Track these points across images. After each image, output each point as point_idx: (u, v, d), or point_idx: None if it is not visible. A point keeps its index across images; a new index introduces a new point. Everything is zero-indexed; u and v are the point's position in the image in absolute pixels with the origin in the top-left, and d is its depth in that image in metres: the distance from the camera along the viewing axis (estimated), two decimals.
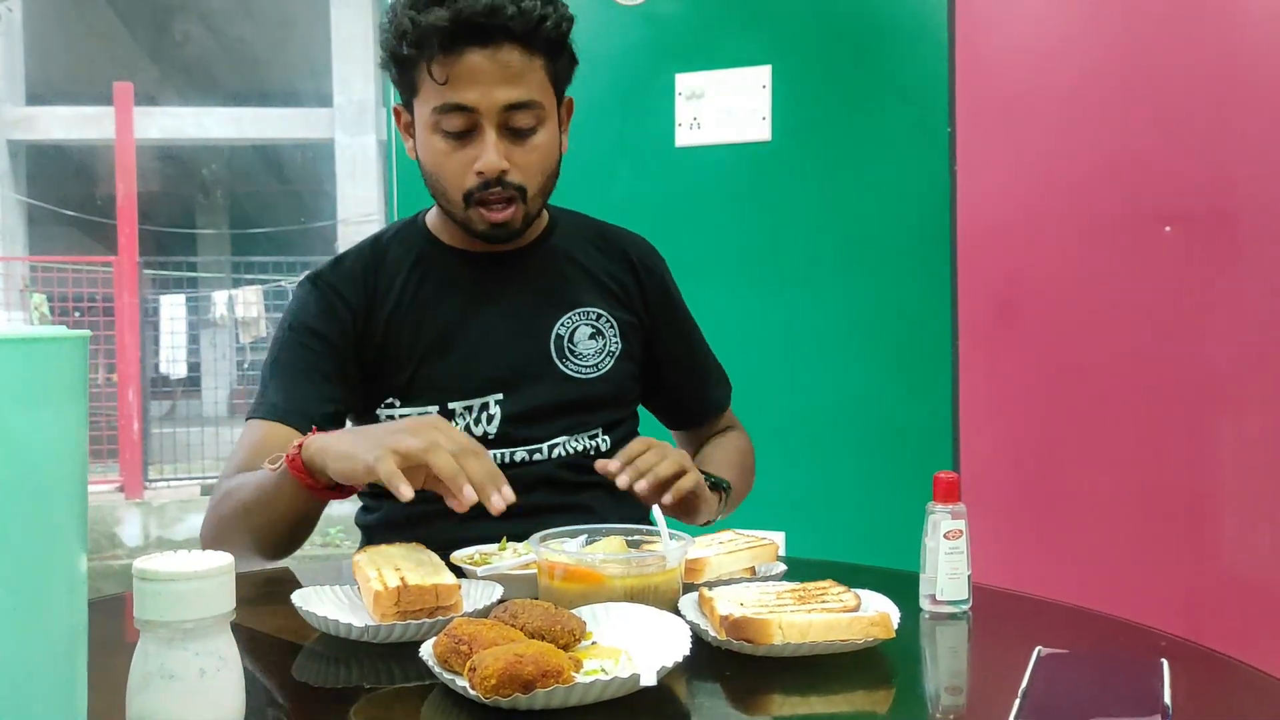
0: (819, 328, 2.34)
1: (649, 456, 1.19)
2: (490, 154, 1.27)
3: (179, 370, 9.55)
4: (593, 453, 1.39)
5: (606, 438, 1.41)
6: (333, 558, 1.25)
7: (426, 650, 0.83)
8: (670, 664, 0.78)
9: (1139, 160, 2.08)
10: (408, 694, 0.84)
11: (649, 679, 0.75)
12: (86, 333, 0.58)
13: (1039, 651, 0.84)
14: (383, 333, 1.37)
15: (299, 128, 12.02)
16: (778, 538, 2.37)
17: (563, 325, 1.41)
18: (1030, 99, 2.16)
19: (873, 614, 0.87)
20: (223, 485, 1.27)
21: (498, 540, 1.16)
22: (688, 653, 0.80)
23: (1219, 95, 2.01)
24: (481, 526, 1.13)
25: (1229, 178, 2.01)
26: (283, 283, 9.46)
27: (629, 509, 1.29)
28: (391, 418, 1.36)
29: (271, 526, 1.20)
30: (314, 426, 1.18)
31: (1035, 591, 1.14)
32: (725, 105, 2.42)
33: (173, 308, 9.09)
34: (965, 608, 1.02)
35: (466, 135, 1.29)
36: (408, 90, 1.33)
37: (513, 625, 0.85)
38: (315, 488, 1.11)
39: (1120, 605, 2.02)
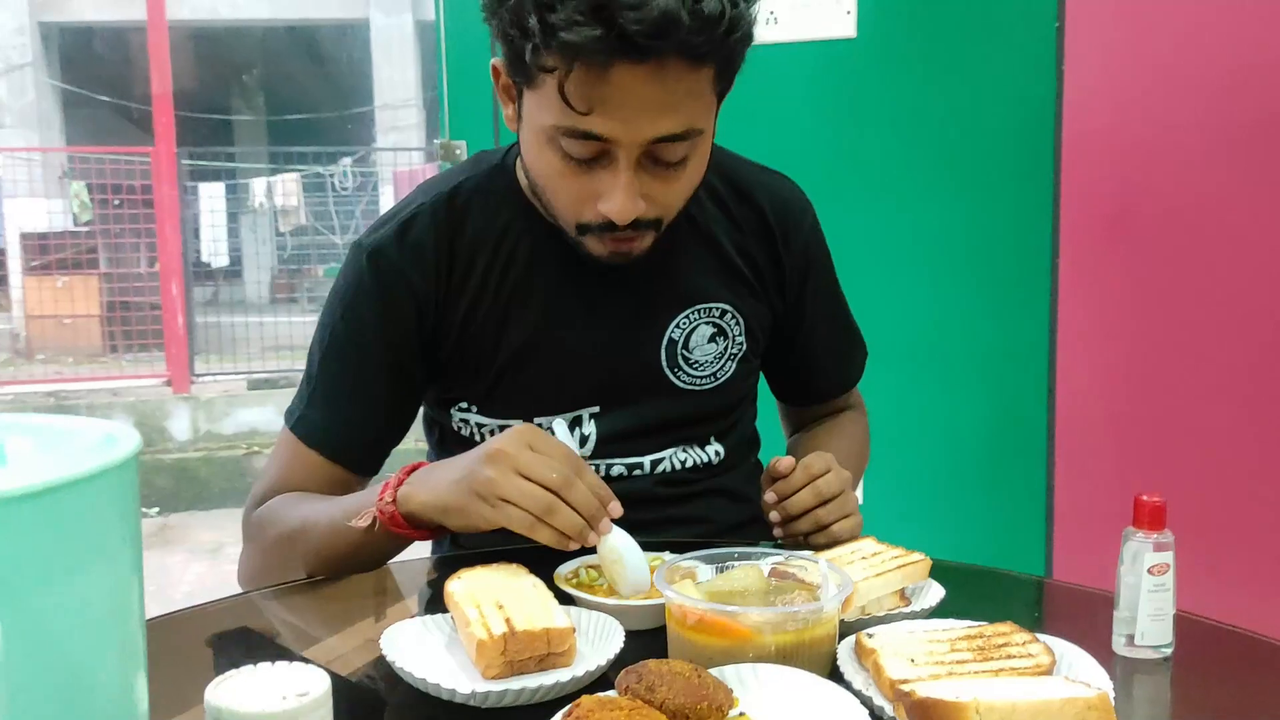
0: (904, 242, 2.17)
1: (812, 501, 1.04)
2: (621, 198, 0.99)
3: (220, 259, 9.47)
4: (702, 464, 1.20)
5: (720, 446, 1.22)
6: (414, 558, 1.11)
7: None
8: None
9: (1270, 52, 1.84)
10: None
11: None
12: (135, 444, 0.42)
13: None
14: (458, 331, 1.14)
15: (333, 7, 11.64)
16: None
17: (678, 327, 1.17)
18: None
19: (1090, 694, 0.71)
20: (266, 521, 1.11)
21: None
22: None
23: None
24: None
25: None
26: (321, 171, 9.28)
27: (746, 513, 1.13)
28: (465, 421, 1.18)
29: (354, 567, 1.08)
30: (394, 478, 1.02)
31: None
32: None
33: (211, 196, 8.95)
34: (1168, 653, 0.87)
35: (593, 161, 1.00)
36: (518, 73, 1.01)
37: (650, 702, 0.71)
38: (420, 536, 1.02)
39: (1220, 551, 1.87)
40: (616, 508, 0.94)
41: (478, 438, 1.17)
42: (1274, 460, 1.90)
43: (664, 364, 1.17)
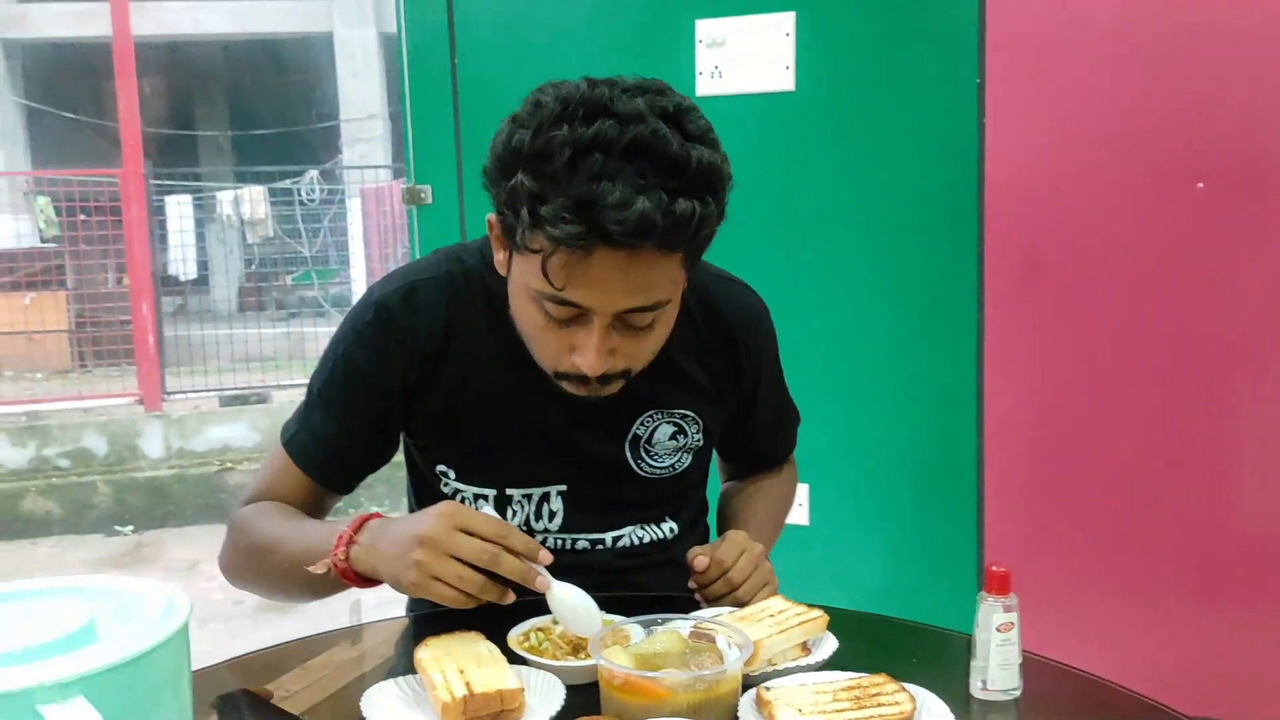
0: (841, 284, 2.33)
1: (725, 590, 1.22)
2: (592, 356, 1.12)
3: (189, 270, 9.54)
4: (658, 539, 1.37)
5: (674, 523, 1.39)
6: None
7: None
8: None
9: (1172, 112, 2.03)
10: None
11: None
12: (188, 610, 0.59)
13: None
14: (443, 402, 1.28)
15: (296, 20, 11.71)
16: (801, 510, 2.39)
17: (643, 425, 1.32)
18: (1062, 49, 2.10)
19: None
20: (245, 525, 1.27)
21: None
22: None
23: (1256, 48, 1.95)
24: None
25: (1264, 132, 1.97)
26: (288, 186, 9.38)
27: (685, 583, 1.30)
28: (446, 483, 1.33)
29: (308, 595, 1.26)
30: (347, 531, 1.14)
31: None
32: (747, 53, 2.37)
33: (180, 211, 9.00)
34: (1015, 695, 1.05)
35: (570, 321, 1.13)
36: (509, 239, 1.13)
37: None
38: (368, 585, 1.16)
39: (1136, 565, 2.06)
40: (545, 555, 1.09)
41: (456, 499, 1.32)
42: (1181, 477, 2.09)
43: (628, 455, 1.33)
